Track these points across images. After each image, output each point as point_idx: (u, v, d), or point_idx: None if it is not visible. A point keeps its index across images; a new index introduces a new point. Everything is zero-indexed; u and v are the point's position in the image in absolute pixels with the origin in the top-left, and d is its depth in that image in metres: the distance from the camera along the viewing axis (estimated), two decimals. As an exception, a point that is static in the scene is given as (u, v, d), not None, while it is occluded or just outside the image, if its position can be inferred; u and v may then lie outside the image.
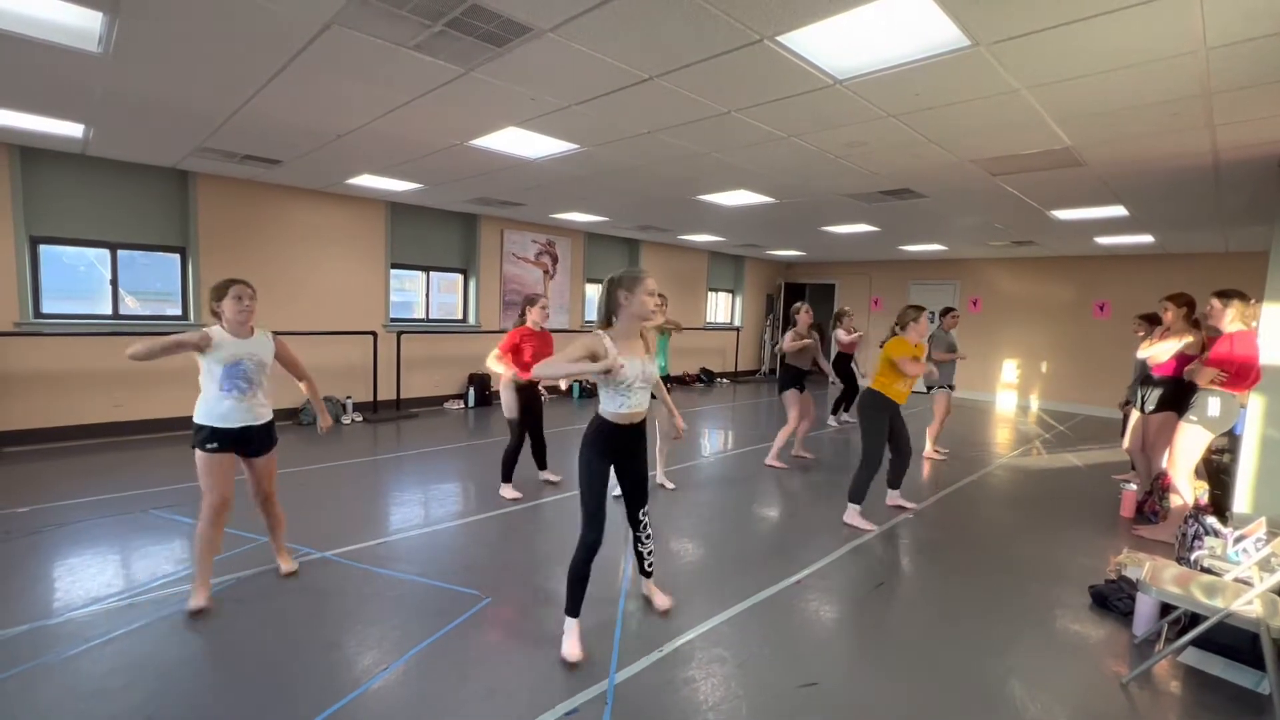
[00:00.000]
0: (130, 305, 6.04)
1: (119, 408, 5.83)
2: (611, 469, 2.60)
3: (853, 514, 4.21)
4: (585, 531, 2.50)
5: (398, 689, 2.28)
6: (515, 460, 4.54)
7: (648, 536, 2.82)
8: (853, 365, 7.91)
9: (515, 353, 4.36)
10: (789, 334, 5.70)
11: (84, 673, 2.30)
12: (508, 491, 4.50)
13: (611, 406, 2.52)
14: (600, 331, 2.50)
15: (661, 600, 2.93)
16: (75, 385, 5.62)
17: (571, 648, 2.49)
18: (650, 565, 2.91)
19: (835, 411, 8.07)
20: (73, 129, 4.57)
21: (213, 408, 2.77)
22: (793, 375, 5.60)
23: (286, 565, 3.17)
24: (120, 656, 2.41)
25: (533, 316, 4.44)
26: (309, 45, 2.93)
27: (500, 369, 4.34)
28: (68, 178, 5.46)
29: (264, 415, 2.91)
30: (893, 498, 4.62)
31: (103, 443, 5.63)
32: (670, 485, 4.84)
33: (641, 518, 2.76)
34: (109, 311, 5.89)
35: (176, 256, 6.18)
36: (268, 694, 2.22)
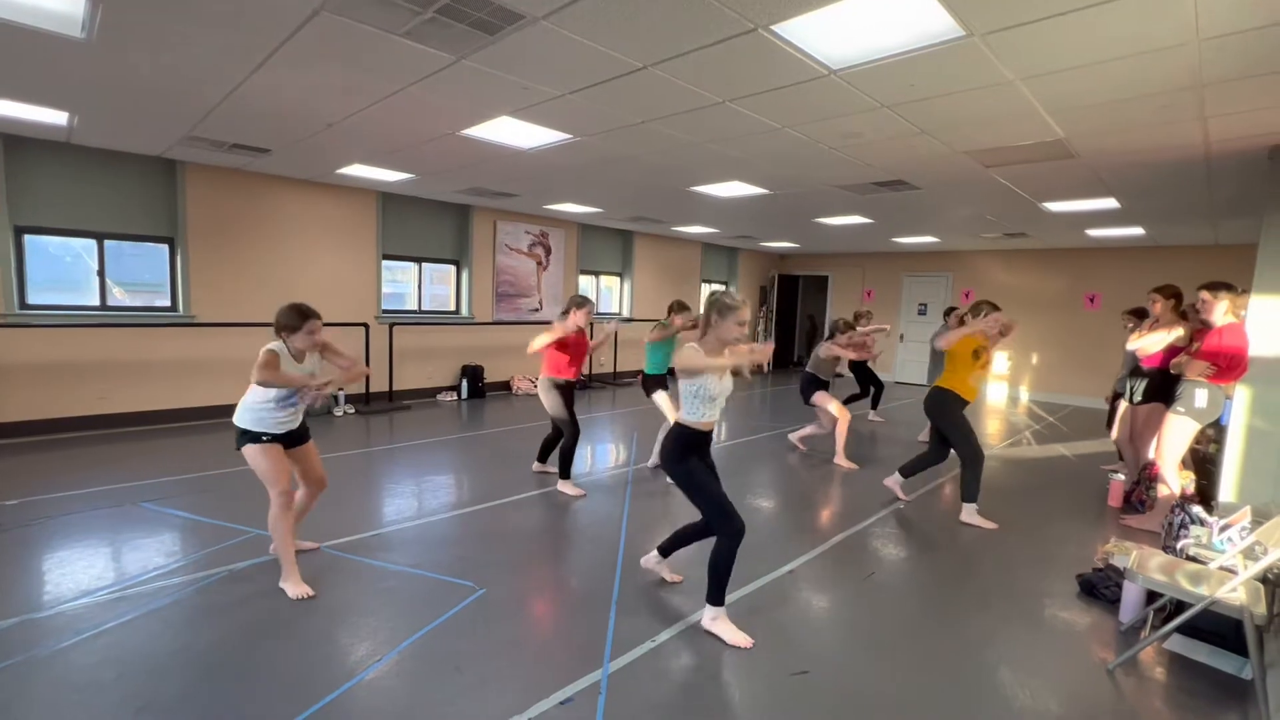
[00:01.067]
0: (118, 296, 5.97)
1: (104, 399, 5.77)
2: None
3: (970, 513, 4.17)
4: (725, 526, 2.62)
5: (391, 680, 2.28)
6: (573, 454, 4.51)
7: None
8: (869, 365, 7.81)
9: (561, 348, 4.36)
10: (828, 344, 5.78)
11: (75, 665, 2.29)
12: (570, 488, 4.46)
13: (695, 416, 2.67)
14: (696, 345, 2.66)
15: (672, 576, 3.15)
16: (63, 377, 5.56)
17: (737, 634, 2.61)
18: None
19: (866, 403, 8.03)
20: (56, 117, 4.50)
21: (265, 417, 2.87)
22: (815, 382, 5.66)
23: (307, 544, 3.35)
24: (112, 649, 2.40)
25: (579, 320, 4.36)
26: (297, 31, 2.89)
27: (541, 341, 4.29)
28: (52, 166, 5.38)
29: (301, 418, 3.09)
30: (893, 480, 4.63)
31: (92, 435, 5.58)
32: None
33: None
34: (96, 303, 5.82)
35: (165, 247, 6.11)
36: (260, 686, 2.22)
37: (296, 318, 2.86)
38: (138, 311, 6.06)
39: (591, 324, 4.55)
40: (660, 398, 4.85)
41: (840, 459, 5.56)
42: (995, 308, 4.24)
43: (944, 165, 4.80)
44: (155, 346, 5.99)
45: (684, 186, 6.20)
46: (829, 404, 5.60)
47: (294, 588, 2.85)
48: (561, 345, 4.36)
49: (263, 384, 2.74)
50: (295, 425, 2.99)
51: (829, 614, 2.94)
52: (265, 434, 2.87)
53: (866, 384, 7.72)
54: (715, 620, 2.66)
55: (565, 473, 4.51)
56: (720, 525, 2.63)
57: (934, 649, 2.66)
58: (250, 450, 2.86)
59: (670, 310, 4.94)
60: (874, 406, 7.94)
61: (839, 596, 3.11)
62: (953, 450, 4.31)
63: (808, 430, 6.05)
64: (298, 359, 2.91)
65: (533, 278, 9.21)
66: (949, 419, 4.24)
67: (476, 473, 4.90)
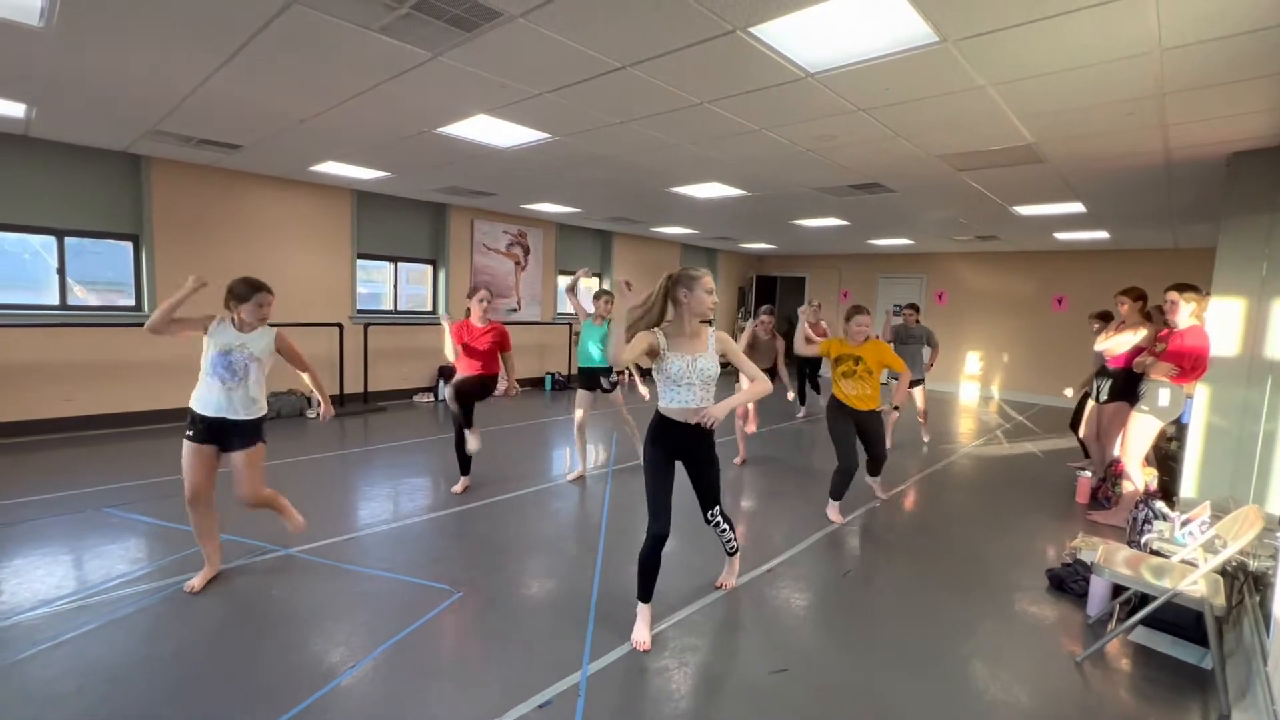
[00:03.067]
0: (79, 295, 5.77)
1: (69, 401, 5.58)
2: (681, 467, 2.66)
3: (833, 509, 4.18)
4: (649, 523, 2.53)
5: (366, 686, 2.24)
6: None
7: (721, 530, 2.89)
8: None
9: (458, 341, 4.27)
10: (742, 337, 5.79)
11: (33, 677, 2.21)
12: (460, 486, 4.45)
13: (664, 401, 2.57)
14: (657, 329, 2.56)
15: (725, 579, 3.11)
16: (21, 379, 5.35)
17: (640, 633, 2.55)
18: (731, 548, 3.01)
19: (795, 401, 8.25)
20: (13, 108, 4.33)
21: (199, 392, 2.86)
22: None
23: (295, 525, 3.20)
24: (72, 660, 2.31)
25: (474, 311, 4.27)
26: (269, 25, 2.82)
27: (450, 352, 4.28)
28: (9, 160, 5.17)
29: (249, 412, 2.89)
30: (875, 485, 4.68)
31: (52, 439, 5.38)
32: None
33: (710, 517, 2.81)
34: (56, 302, 5.62)
35: (129, 244, 5.93)
36: (230, 696, 2.16)
37: (246, 288, 2.86)
38: (100, 311, 5.87)
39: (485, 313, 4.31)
40: (582, 397, 4.79)
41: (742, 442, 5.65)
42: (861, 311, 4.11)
43: (918, 168, 4.88)
44: (119, 347, 5.80)
45: (662, 187, 6.21)
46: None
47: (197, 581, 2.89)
48: (459, 337, 4.25)
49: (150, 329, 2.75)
50: (227, 412, 2.81)
51: (807, 611, 2.97)
52: (195, 420, 2.84)
53: (804, 381, 8.05)
54: (638, 616, 2.61)
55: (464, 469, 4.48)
56: (649, 521, 2.55)
57: (909, 644, 2.70)
58: (183, 443, 2.87)
59: (597, 298, 4.84)
60: (801, 402, 8.14)
61: (817, 594, 3.14)
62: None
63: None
64: (241, 330, 2.89)
65: (511, 278, 9.14)
66: (833, 424, 4.16)
67: (453, 475, 4.83)
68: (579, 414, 4.82)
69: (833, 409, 4.18)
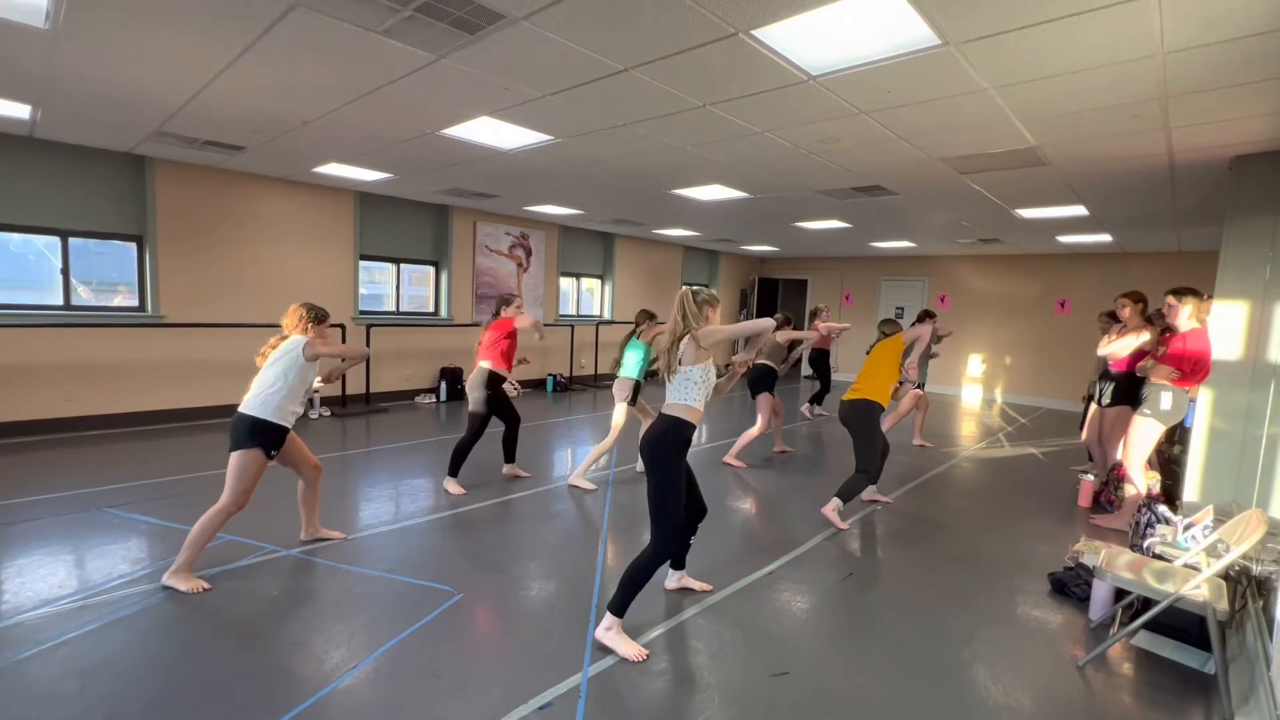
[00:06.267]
0: (84, 296, 5.79)
1: (71, 401, 5.60)
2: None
3: (834, 507, 4.10)
4: (665, 543, 2.52)
5: (367, 687, 2.24)
6: (466, 455, 4.49)
7: (691, 537, 3.04)
8: (830, 361, 8.24)
9: (512, 342, 4.51)
10: (781, 332, 5.79)
11: (34, 677, 2.21)
12: (454, 486, 4.43)
13: (692, 404, 2.57)
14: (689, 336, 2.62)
15: (701, 585, 3.13)
16: (24, 379, 5.37)
17: (631, 647, 2.50)
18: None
19: (812, 404, 8.21)
20: (18, 110, 4.35)
21: (295, 410, 3.06)
22: (767, 376, 5.59)
23: (335, 533, 3.58)
24: (74, 660, 2.32)
25: (510, 314, 4.59)
26: (272, 27, 2.83)
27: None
28: (14, 161, 5.19)
29: None
30: (869, 492, 4.66)
31: (55, 439, 5.40)
32: (589, 486, 4.69)
33: (695, 530, 2.99)
34: (60, 302, 5.64)
35: (133, 245, 5.95)
36: (231, 695, 2.16)
37: (325, 311, 3.18)
38: (104, 311, 5.89)
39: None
40: (621, 409, 4.71)
41: (731, 457, 5.55)
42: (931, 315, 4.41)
43: (920, 171, 4.88)
44: (122, 347, 5.82)
45: (665, 189, 6.21)
46: (762, 411, 5.53)
47: (186, 582, 2.89)
48: (510, 339, 4.55)
49: (333, 355, 3.10)
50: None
51: (809, 615, 2.96)
52: (281, 436, 3.01)
53: (826, 379, 8.16)
54: (609, 630, 2.53)
55: (455, 470, 4.51)
56: (660, 540, 2.52)
57: (912, 647, 2.69)
58: (253, 455, 2.92)
59: (638, 322, 4.78)
60: (817, 402, 8.20)
61: (818, 597, 3.14)
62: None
63: (776, 429, 6.07)
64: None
65: (513, 279, 9.15)
66: (875, 430, 4.20)
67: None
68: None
69: (879, 411, 4.23)
